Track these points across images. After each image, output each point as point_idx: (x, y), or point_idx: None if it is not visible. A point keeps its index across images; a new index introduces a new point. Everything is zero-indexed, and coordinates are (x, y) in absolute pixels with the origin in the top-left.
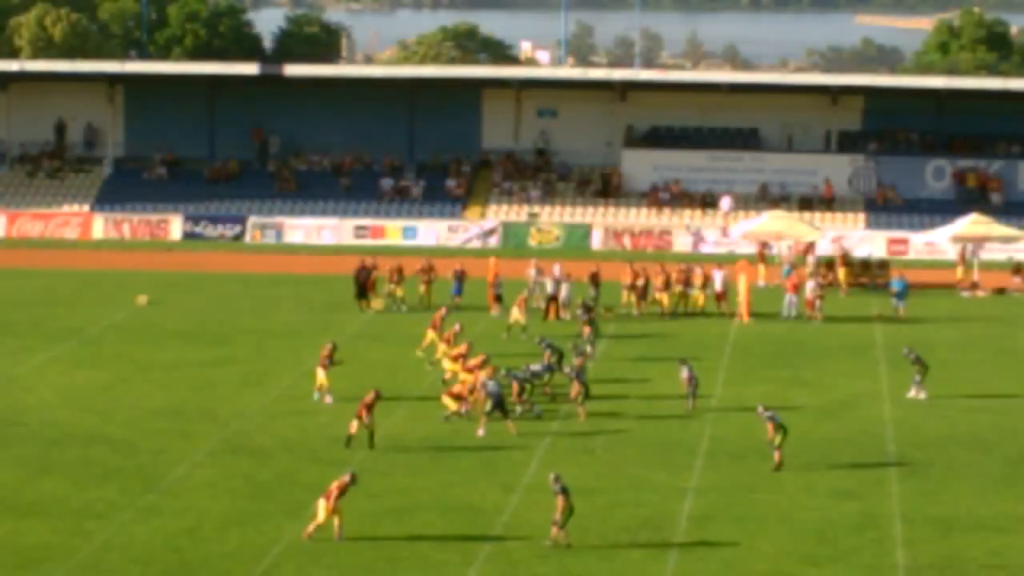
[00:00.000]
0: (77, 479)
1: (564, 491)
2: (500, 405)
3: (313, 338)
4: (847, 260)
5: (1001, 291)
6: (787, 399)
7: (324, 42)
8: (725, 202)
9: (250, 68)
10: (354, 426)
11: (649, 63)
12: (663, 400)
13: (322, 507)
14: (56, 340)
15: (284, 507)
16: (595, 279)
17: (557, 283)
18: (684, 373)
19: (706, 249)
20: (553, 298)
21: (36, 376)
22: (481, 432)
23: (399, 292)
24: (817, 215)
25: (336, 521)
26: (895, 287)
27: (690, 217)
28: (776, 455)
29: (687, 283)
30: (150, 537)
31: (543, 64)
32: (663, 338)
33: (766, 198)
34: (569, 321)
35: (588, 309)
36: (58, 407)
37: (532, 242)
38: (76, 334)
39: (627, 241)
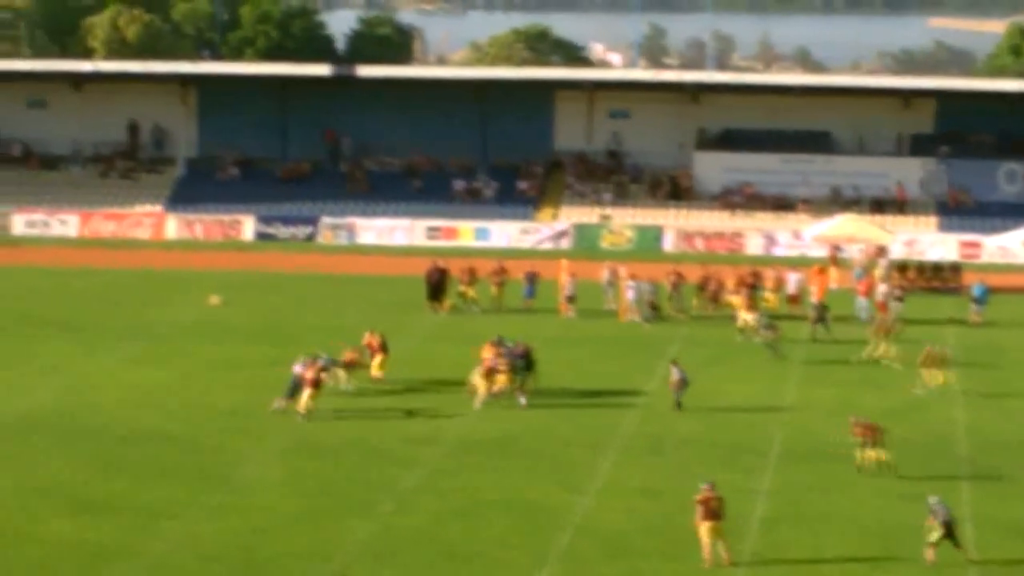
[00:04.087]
0: (145, 477)
1: (935, 511)
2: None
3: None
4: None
5: None
6: (857, 401)
7: (396, 43)
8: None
9: (322, 69)
10: None
11: (721, 65)
12: (733, 402)
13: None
14: (128, 339)
15: (353, 507)
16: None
17: (623, 283)
18: (675, 375)
19: (779, 252)
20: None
21: (107, 374)
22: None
23: (471, 293)
24: (889, 218)
25: (721, 545)
26: (975, 292)
27: (762, 220)
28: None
29: (753, 286)
30: (218, 535)
31: (615, 66)
32: (733, 342)
33: (838, 201)
34: (636, 323)
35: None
36: (129, 405)
37: (604, 244)
38: (148, 333)
39: (699, 243)
